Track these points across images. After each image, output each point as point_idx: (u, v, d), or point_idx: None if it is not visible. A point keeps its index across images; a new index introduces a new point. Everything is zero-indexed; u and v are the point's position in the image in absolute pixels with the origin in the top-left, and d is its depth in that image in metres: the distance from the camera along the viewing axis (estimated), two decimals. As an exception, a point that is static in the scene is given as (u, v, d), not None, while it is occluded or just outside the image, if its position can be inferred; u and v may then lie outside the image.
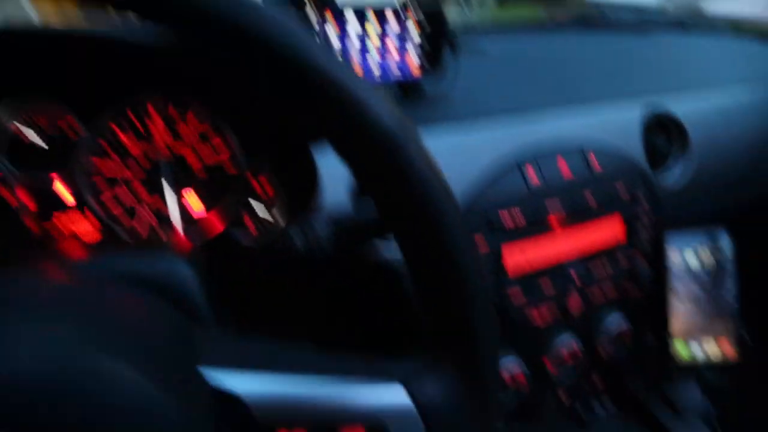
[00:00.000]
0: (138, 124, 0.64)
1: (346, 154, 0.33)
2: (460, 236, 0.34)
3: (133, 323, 0.31)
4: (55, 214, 0.63)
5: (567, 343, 0.77)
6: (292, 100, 0.31)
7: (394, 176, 0.32)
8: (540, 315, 0.73)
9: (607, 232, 0.75)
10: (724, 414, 0.88)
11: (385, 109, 0.31)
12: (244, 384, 0.31)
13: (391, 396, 0.33)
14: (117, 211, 0.64)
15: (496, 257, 0.67)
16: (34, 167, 0.61)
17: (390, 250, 0.63)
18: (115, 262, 0.42)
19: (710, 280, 0.84)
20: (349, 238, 0.48)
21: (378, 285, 0.67)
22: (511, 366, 0.74)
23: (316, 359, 0.35)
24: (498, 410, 0.37)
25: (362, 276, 0.66)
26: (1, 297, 0.29)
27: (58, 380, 0.24)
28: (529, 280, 0.71)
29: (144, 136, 0.64)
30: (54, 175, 0.62)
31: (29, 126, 0.61)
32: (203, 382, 0.31)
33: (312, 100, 0.31)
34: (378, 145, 0.31)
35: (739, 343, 0.84)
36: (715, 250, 0.84)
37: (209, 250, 0.66)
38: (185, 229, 0.66)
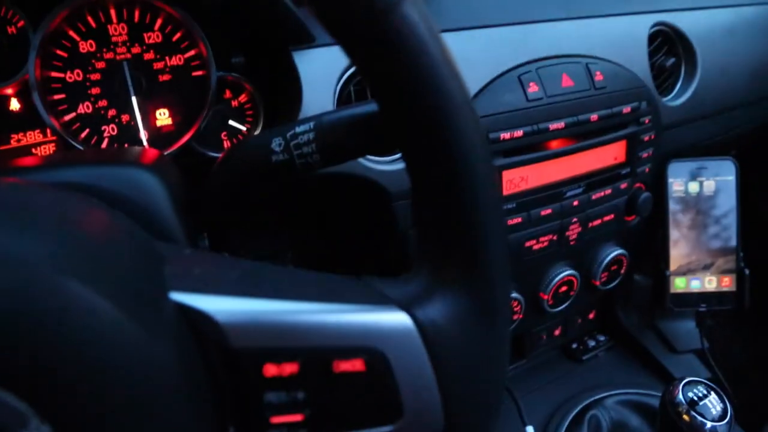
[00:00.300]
0: (97, 30, 0.57)
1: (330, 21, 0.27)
2: (471, 120, 0.29)
3: (95, 239, 0.26)
4: (12, 134, 0.57)
5: (562, 273, 0.73)
6: None
7: (388, 42, 0.26)
8: (537, 241, 0.68)
9: (607, 150, 0.71)
10: (718, 350, 0.86)
11: None
12: (223, 313, 0.27)
13: (391, 322, 0.29)
14: (76, 124, 0.58)
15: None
16: None
17: (381, 164, 0.58)
18: (72, 173, 0.38)
19: (712, 212, 0.80)
20: (335, 151, 0.42)
21: (366, 204, 0.62)
22: (504, 294, 0.70)
23: (305, 283, 0.31)
24: (509, 335, 0.32)
25: (349, 194, 0.61)
26: None
27: (12, 301, 0.21)
28: (527, 202, 0.66)
29: (104, 43, 0.58)
30: (7, 90, 0.55)
31: None
32: (175, 310, 0.26)
33: None
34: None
35: (738, 276, 0.81)
36: (719, 179, 0.80)
37: (176, 161, 0.60)
38: (150, 140, 0.60)
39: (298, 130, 0.42)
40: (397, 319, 0.29)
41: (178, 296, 0.27)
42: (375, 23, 0.26)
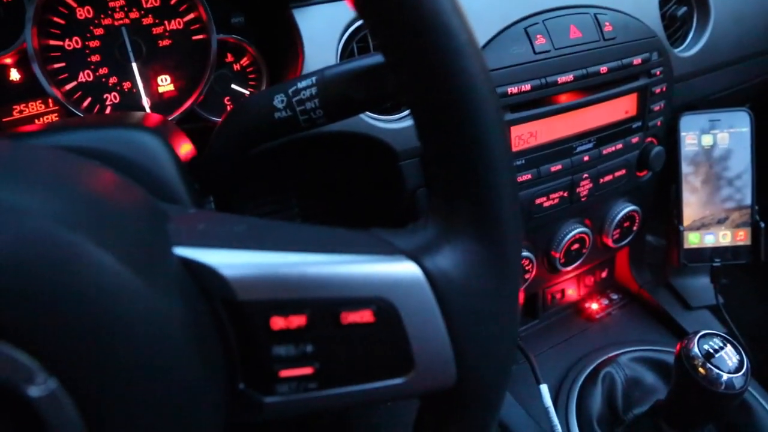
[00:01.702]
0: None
1: None
2: (482, 74, 0.28)
3: (99, 195, 0.26)
4: (14, 105, 0.57)
5: (574, 230, 0.72)
6: None
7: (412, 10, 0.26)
8: (548, 198, 0.67)
9: (618, 104, 0.69)
10: (733, 305, 0.85)
11: None
12: (229, 266, 0.26)
13: (399, 272, 0.28)
14: (77, 93, 0.57)
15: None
16: None
17: (386, 123, 0.57)
18: (75, 136, 0.38)
19: (726, 164, 0.79)
20: (339, 107, 0.41)
21: (373, 164, 0.61)
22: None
23: (311, 236, 0.30)
24: (519, 285, 0.31)
25: (355, 155, 0.60)
26: None
27: (15, 252, 0.21)
28: (537, 158, 0.65)
29: (101, 8, 0.57)
30: (6, 60, 0.55)
31: None
32: (180, 265, 0.26)
33: None
34: None
35: (753, 230, 0.79)
36: (734, 131, 0.78)
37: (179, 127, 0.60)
38: (152, 107, 0.60)
39: (300, 85, 0.41)
40: (405, 268, 0.29)
41: (183, 251, 0.27)
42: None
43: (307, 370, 0.28)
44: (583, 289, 0.88)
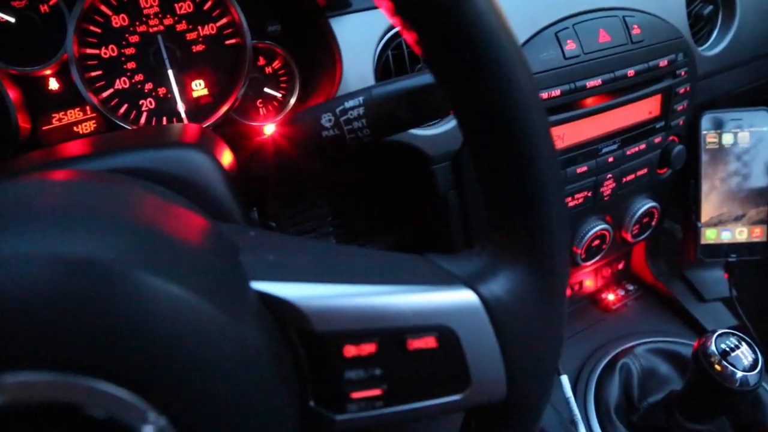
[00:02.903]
0: (128, 3, 0.57)
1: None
2: (537, 107, 0.29)
3: (173, 234, 0.27)
4: (53, 114, 0.58)
5: (596, 227, 0.74)
6: None
7: (460, 33, 0.27)
8: (572, 198, 0.69)
9: (642, 105, 0.70)
10: (746, 298, 0.87)
11: None
12: (305, 300, 0.28)
13: (459, 300, 0.30)
14: (114, 100, 0.58)
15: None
16: (21, 60, 0.55)
17: (419, 129, 0.58)
18: (126, 158, 0.39)
19: (746, 163, 0.80)
20: (386, 125, 0.42)
21: (405, 167, 0.62)
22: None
23: (375, 265, 0.32)
24: (566, 309, 0.34)
25: (388, 159, 0.62)
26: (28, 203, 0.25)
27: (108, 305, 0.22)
28: (563, 160, 0.66)
29: (136, 16, 0.57)
30: (46, 71, 0.56)
31: (7, 12, 0.54)
32: (257, 298, 0.28)
33: None
34: None
35: (768, 226, 0.81)
36: (754, 130, 0.79)
37: (214, 132, 0.61)
38: (187, 112, 0.61)
39: (347, 105, 0.43)
40: (464, 297, 0.31)
41: (260, 285, 0.28)
42: (447, 12, 0.26)
43: (375, 392, 0.30)
44: (601, 281, 0.90)
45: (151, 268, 0.24)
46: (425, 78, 0.41)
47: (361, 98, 0.42)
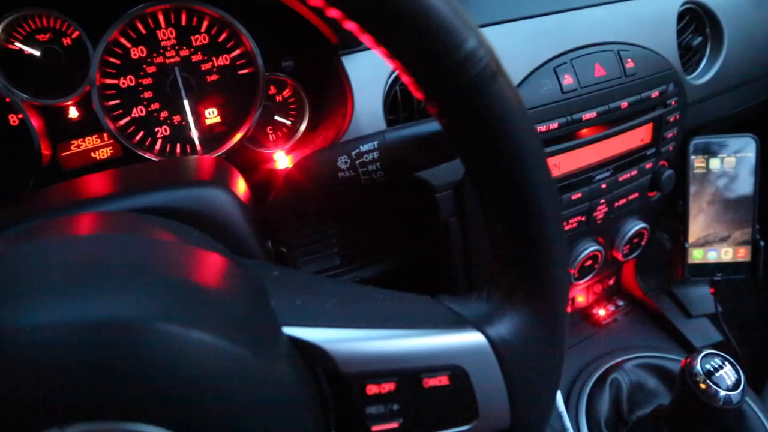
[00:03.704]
0: (147, 36, 0.59)
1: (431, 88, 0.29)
2: (547, 177, 0.32)
3: (207, 284, 0.30)
4: (72, 141, 0.60)
5: (588, 249, 0.78)
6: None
7: (482, 115, 0.29)
8: (567, 223, 0.72)
9: (635, 133, 0.74)
10: (731, 314, 0.91)
11: (475, 35, 0.28)
12: (332, 344, 0.31)
13: (469, 342, 0.33)
14: (131, 128, 0.60)
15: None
16: (45, 91, 0.57)
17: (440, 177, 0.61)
18: (151, 198, 0.41)
19: (732, 186, 0.84)
20: (399, 168, 0.45)
21: (410, 196, 0.65)
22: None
23: (392, 309, 0.35)
24: (565, 345, 0.37)
25: (394, 189, 0.64)
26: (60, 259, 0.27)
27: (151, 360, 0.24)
28: (558, 188, 0.69)
29: (154, 48, 0.60)
30: (68, 102, 0.58)
31: (32, 45, 0.56)
32: (288, 341, 0.31)
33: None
34: (469, 78, 0.28)
35: (753, 247, 0.85)
36: (740, 156, 0.83)
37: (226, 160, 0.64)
38: (201, 139, 0.63)
39: (363, 148, 0.46)
40: (474, 338, 0.34)
41: (291, 330, 0.31)
42: (473, 97, 0.29)
43: (393, 425, 0.33)
44: (592, 297, 0.94)
45: (193, 323, 0.26)
46: (435, 125, 0.44)
47: (375, 143, 0.45)
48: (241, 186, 0.49)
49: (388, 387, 0.33)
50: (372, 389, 0.32)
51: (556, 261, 0.34)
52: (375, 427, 0.33)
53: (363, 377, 0.32)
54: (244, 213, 0.45)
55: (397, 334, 0.33)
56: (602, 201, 0.74)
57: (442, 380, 0.34)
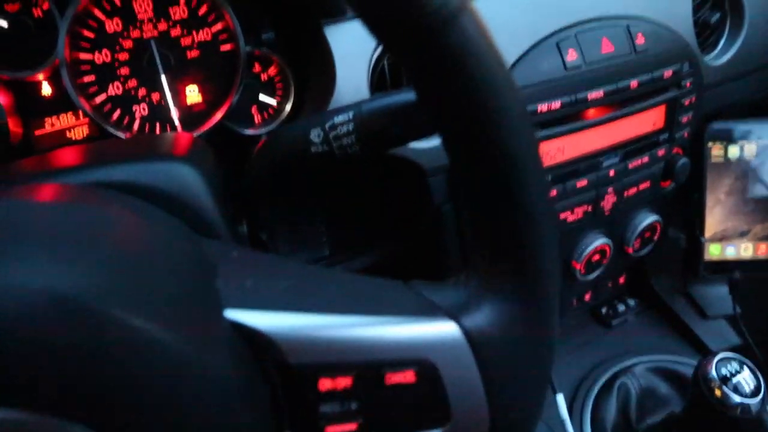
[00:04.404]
0: (122, 8, 0.56)
1: (386, 29, 0.26)
2: (526, 135, 0.28)
3: (145, 261, 0.26)
4: (46, 118, 0.57)
5: (596, 242, 0.73)
6: None
7: (447, 57, 0.25)
8: (572, 213, 0.67)
9: (646, 117, 0.68)
10: (750, 315, 0.85)
11: None
12: (279, 330, 0.28)
13: (440, 332, 0.29)
14: (107, 105, 0.57)
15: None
16: (13, 65, 0.54)
17: (415, 142, 0.57)
18: (110, 171, 0.38)
19: (752, 176, 0.78)
20: (376, 141, 0.41)
21: (401, 179, 0.61)
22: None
23: (355, 293, 0.31)
24: (555, 340, 0.33)
25: (383, 171, 0.61)
26: None
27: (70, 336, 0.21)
28: (563, 174, 0.65)
29: (130, 20, 0.56)
30: (38, 76, 0.55)
31: (1, 16, 0.53)
32: (231, 326, 0.27)
33: None
34: (428, 14, 0.24)
35: (775, 241, 0.79)
36: (761, 143, 0.77)
37: (208, 140, 0.60)
38: (181, 119, 0.60)
39: (337, 120, 0.42)
40: (446, 328, 0.30)
41: (233, 313, 0.28)
42: (431, 36, 0.25)
43: (351, 426, 0.29)
44: (601, 295, 0.89)
45: (113, 301, 0.23)
46: (413, 94, 0.40)
47: (351, 114, 0.41)
48: (212, 165, 0.46)
49: (343, 382, 0.29)
50: (325, 384, 0.28)
51: (542, 237, 0.30)
52: (329, 428, 0.29)
53: (315, 370, 0.28)
54: (211, 192, 0.42)
55: (355, 321, 0.29)
56: (610, 189, 0.69)
57: (408, 376, 0.29)
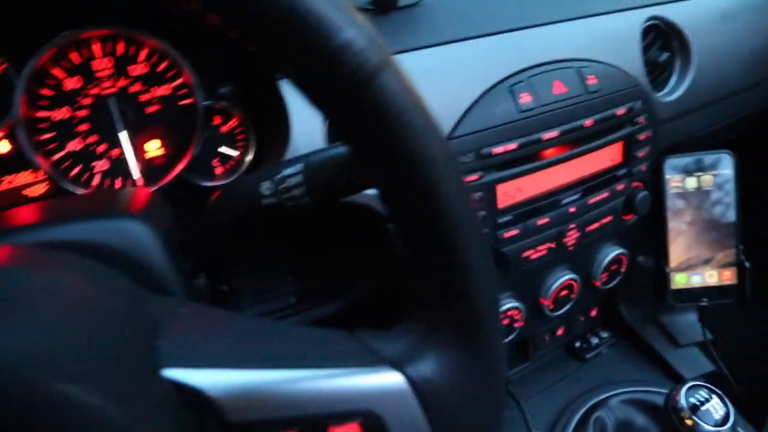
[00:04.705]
0: (81, 66, 0.56)
1: (308, 88, 0.26)
2: (455, 185, 0.28)
3: (83, 322, 0.26)
4: (4, 177, 0.56)
5: (562, 278, 0.73)
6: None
7: (368, 115, 0.26)
8: (535, 251, 0.68)
9: (603, 153, 0.70)
10: (722, 341, 0.86)
11: (352, 25, 0.25)
12: (218, 388, 0.27)
13: (384, 383, 0.29)
14: (67, 162, 0.57)
15: (488, 188, 0.61)
16: None
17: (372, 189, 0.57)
18: (61, 231, 0.37)
19: (711, 206, 0.80)
20: (326, 192, 0.42)
21: (361, 227, 0.61)
22: (506, 303, 0.70)
23: (298, 347, 0.31)
24: (504, 385, 0.32)
25: (343, 220, 0.61)
26: None
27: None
28: (523, 213, 0.65)
29: (89, 78, 0.57)
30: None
31: None
32: (170, 386, 0.27)
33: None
34: (346, 73, 0.24)
35: (739, 270, 0.80)
36: (717, 173, 0.79)
37: (169, 193, 0.60)
38: (143, 173, 0.60)
39: (286, 172, 0.42)
40: (390, 379, 0.29)
41: (172, 373, 0.27)
42: (354, 95, 0.25)
43: (295, 481, 0.29)
44: (574, 328, 0.89)
45: (39, 369, 0.22)
46: None
47: (299, 165, 0.42)
48: (167, 219, 0.46)
49: None
50: None
51: (479, 284, 0.30)
52: (274, 484, 0.28)
53: (257, 427, 0.28)
54: (163, 248, 0.42)
55: (297, 375, 0.29)
56: (572, 226, 0.70)
57: (352, 429, 0.29)
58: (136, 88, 0.59)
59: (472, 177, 0.60)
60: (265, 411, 0.28)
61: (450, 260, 0.29)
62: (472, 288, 0.30)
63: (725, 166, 0.79)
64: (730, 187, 0.79)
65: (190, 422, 0.27)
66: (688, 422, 0.57)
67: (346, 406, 0.28)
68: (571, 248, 0.71)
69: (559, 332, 0.87)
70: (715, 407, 0.57)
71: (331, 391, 0.29)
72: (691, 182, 0.79)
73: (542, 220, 0.67)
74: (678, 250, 0.81)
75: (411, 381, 0.29)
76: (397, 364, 0.29)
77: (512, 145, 0.61)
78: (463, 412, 0.31)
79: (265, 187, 0.42)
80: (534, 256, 0.68)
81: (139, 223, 0.40)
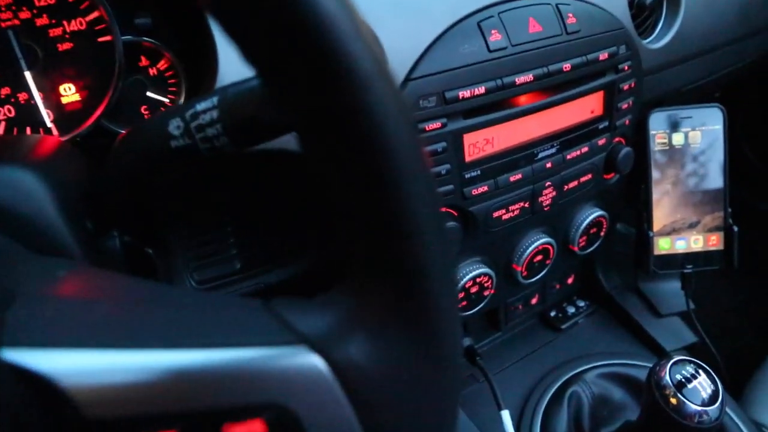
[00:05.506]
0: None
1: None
2: (405, 131, 0.22)
3: None
4: None
5: (537, 241, 0.67)
6: None
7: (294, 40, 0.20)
8: (507, 210, 0.61)
9: (583, 103, 0.63)
10: (705, 311, 0.81)
11: None
12: (69, 373, 0.21)
13: (299, 366, 0.23)
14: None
15: (453, 138, 0.54)
16: None
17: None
18: None
19: (698, 164, 0.74)
20: (247, 132, 0.35)
21: (304, 182, 0.54)
22: (475, 268, 0.63)
23: (189, 317, 0.24)
24: (460, 372, 0.25)
25: (282, 172, 0.54)
26: None
27: None
28: (494, 167, 0.59)
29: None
30: None
31: None
32: (9, 372, 0.20)
33: None
34: None
35: (726, 234, 0.75)
36: (706, 129, 0.73)
37: (88, 143, 0.53)
38: (55, 121, 0.52)
39: (198, 108, 0.34)
40: (306, 362, 0.23)
41: (12, 354, 0.20)
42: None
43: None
44: (549, 297, 0.83)
45: None
46: None
47: (214, 99, 0.34)
48: (72, 172, 0.39)
49: None
50: None
51: (425, 242, 0.23)
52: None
53: (124, 426, 0.21)
54: (54, 200, 0.35)
55: (181, 357, 0.22)
56: (548, 183, 0.63)
57: (255, 428, 0.22)
58: (43, 21, 0.51)
59: (435, 125, 0.52)
60: (136, 405, 0.21)
61: (390, 214, 0.22)
62: (420, 250, 0.23)
63: (715, 121, 0.73)
64: (720, 144, 0.73)
65: (36, 420, 0.20)
66: (673, 401, 0.51)
67: (246, 398, 0.22)
68: (546, 209, 0.65)
69: (533, 301, 0.81)
70: (703, 384, 0.52)
71: (225, 378, 0.22)
72: (678, 138, 0.73)
73: (515, 176, 0.60)
74: (662, 212, 0.75)
75: (334, 365, 0.22)
76: (316, 344, 0.23)
77: (480, 89, 0.53)
78: (403, 406, 0.24)
79: (174, 125, 0.34)
80: (505, 217, 0.61)
81: (28, 173, 0.34)
